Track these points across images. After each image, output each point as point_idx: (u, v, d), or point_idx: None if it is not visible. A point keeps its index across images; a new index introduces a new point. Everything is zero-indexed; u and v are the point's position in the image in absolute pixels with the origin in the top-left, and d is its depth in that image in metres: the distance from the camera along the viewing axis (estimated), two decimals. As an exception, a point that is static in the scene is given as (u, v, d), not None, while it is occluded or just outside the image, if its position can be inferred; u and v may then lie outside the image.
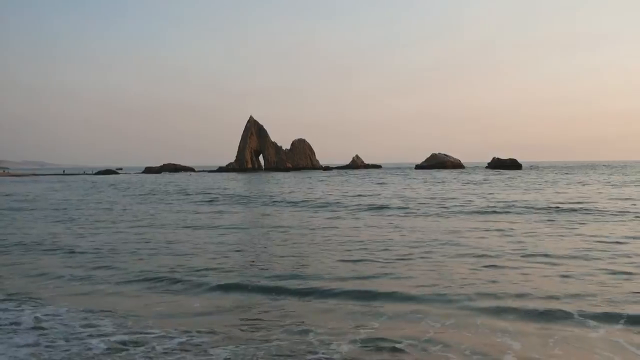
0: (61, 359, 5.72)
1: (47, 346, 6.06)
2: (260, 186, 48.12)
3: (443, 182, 50.73)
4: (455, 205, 24.22)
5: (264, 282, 9.18)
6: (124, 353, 5.84)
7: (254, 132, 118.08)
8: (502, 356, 5.72)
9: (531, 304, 7.49)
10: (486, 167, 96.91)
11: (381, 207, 23.89)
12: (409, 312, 7.30)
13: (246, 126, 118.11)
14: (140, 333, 6.53)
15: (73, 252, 12.74)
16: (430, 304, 7.67)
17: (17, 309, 7.72)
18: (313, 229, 16.82)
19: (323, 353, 5.86)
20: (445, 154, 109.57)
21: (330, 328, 6.68)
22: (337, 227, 17.32)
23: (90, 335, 6.40)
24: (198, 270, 10.28)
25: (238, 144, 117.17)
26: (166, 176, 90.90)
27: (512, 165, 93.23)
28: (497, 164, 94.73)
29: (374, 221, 18.96)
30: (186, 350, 5.95)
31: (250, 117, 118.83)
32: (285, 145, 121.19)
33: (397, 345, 6.00)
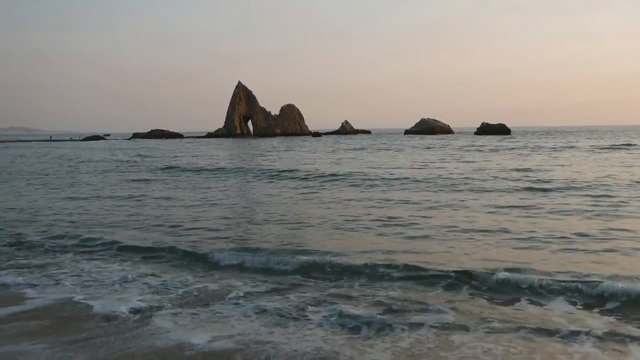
0: (189, 301, 6.91)
1: (162, 291, 7.29)
2: (245, 152, 48.81)
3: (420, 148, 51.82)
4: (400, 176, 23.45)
5: (273, 248, 9.75)
6: (232, 294, 7.09)
7: (243, 97, 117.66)
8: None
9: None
10: (475, 133, 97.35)
11: (364, 177, 23.38)
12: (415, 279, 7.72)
13: (234, 92, 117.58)
14: (220, 282, 7.72)
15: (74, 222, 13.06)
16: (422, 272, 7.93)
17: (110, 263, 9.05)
18: (295, 200, 16.83)
19: (365, 298, 6.95)
20: (434, 119, 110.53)
21: (361, 285, 7.59)
22: (326, 198, 17.02)
23: (186, 283, 7.67)
24: (204, 240, 10.66)
25: (227, 110, 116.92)
26: (148, 142, 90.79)
27: (501, 130, 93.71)
28: (486, 130, 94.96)
29: (364, 192, 18.40)
30: (268, 293, 7.21)
31: (239, 82, 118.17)
32: (275, 111, 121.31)
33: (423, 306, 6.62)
